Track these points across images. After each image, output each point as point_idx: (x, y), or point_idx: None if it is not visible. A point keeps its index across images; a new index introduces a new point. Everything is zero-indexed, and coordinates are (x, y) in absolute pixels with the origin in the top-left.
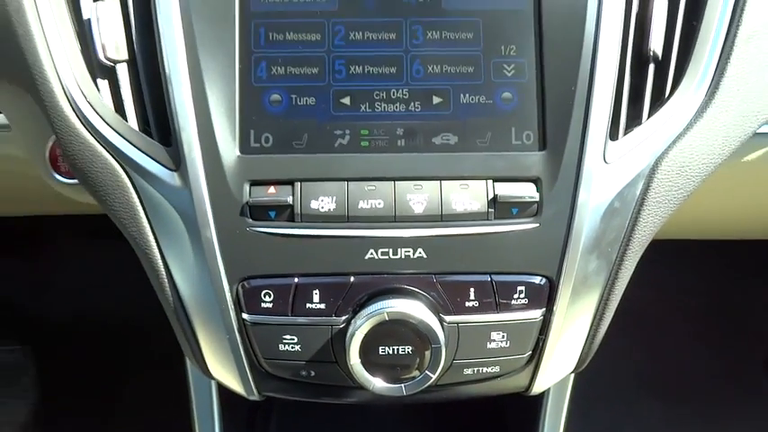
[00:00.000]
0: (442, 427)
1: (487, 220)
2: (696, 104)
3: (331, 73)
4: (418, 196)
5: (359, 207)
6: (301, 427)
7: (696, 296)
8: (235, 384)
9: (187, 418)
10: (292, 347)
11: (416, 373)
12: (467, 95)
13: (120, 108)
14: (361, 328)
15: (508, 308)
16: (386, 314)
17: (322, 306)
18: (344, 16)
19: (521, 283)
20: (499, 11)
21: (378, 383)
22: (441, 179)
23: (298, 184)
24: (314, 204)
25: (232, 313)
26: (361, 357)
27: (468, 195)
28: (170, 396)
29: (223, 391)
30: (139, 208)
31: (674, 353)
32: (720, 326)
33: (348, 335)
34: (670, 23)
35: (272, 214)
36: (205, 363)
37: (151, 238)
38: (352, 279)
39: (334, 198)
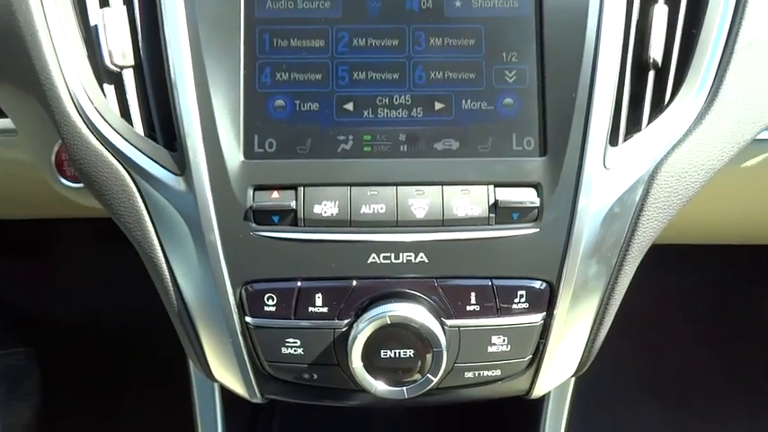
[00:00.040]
0: (443, 430)
1: (488, 225)
2: (695, 111)
3: (334, 79)
4: (420, 201)
5: (361, 212)
6: (303, 429)
7: (697, 299)
8: (238, 387)
9: (190, 421)
10: (295, 350)
11: (418, 376)
12: (468, 101)
13: (125, 113)
14: (363, 332)
15: (509, 312)
16: (388, 318)
17: (324, 310)
18: (348, 23)
19: (521, 288)
20: (501, 18)
21: (379, 386)
22: (442, 184)
23: (301, 189)
24: (317, 209)
25: (235, 316)
26: (363, 360)
27: (470, 200)
28: (173, 398)
29: (226, 393)
30: (144, 212)
31: (674, 356)
32: (721, 329)
33: (350, 338)
34: (670, 31)
35: (276, 219)
36: (208, 366)
37: (156, 241)
38: (354, 283)
39: (337, 203)
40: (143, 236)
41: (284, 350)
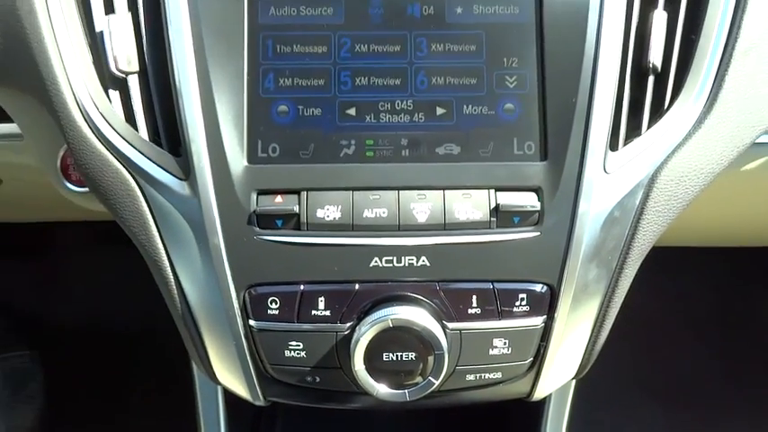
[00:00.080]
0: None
1: (489, 228)
2: (695, 116)
3: (337, 84)
4: (422, 205)
5: (364, 216)
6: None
7: (697, 301)
8: (241, 390)
9: (193, 423)
10: (298, 353)
11: (420, 379)
12: (470, 106)
13: (130, 119)
14: (365, 335)
15: (510, 315)
16: (390, 321)
17: (327, 313)
18: (350, 29)
19: (522, 291)
20: (502, 24)
21: (382, 389)
22: (444, 188)
23: (304, 194)
24: (320, 213)
25: (239, 320)
26: (365, 363)
27: (471, 204)
28: (176, 401)
29: (229, 396)
30: (149, 216)
31: (675, 358)
32: (722, 331)
33: (353, 341)
34: (669, 37)
35: (279, 223)
36: (212, 368)
37: (160, 245)
38: (356, 287)
39: (340, 207)
40: (148, 240)
41: (287, 353)
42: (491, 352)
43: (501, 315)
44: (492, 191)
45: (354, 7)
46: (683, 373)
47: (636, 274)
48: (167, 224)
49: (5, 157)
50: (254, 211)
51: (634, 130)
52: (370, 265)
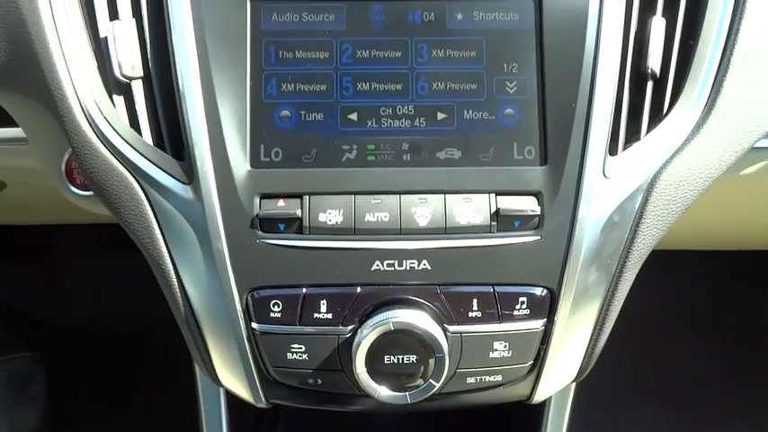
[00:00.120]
0: None
1: (490, 232)
2: (693, 121)
3: (339, 90)
4: (423, 209)
5: (365, 220)
6: None
7: (697, 304)
8: (243, 392)
9: (195, 425)
10: (300, 356)
11: (421, 381)
12: (470, 111)
13: (135, 123)
14: (367, 338)
15: (510, 318)
16: (391, 324)
17: (329, 316)
18: (352, 35)
19: (522, 294)
20: (502, 30)
21: (383, 391)
22: (445, 193)
23: (306, 198)
24: (322, 217)
25: (242, 322)
26: (366, 366)
27: (472, 209)
28: (179, 403)
29: (231, 398)
30: (153, 220)
31: (675, 360)
32: (722, 333)
33: (354, 344)
34: (668, 42)
35: (282, 226)
36: (215, 371)
37: (164, 249)
38: (358, 290)
39: (342, 211)
40: (151, 243)
41: (289, 356)
42: (491, 355)
43: (501, 318)
44: (492, 195)
45: (356, 14)
46: (684, 375)
47: (636, 277)
48: (171, 228)
49: (10, 160)
50: (257, 215)
51: (633, 135)
52: (372, 269)
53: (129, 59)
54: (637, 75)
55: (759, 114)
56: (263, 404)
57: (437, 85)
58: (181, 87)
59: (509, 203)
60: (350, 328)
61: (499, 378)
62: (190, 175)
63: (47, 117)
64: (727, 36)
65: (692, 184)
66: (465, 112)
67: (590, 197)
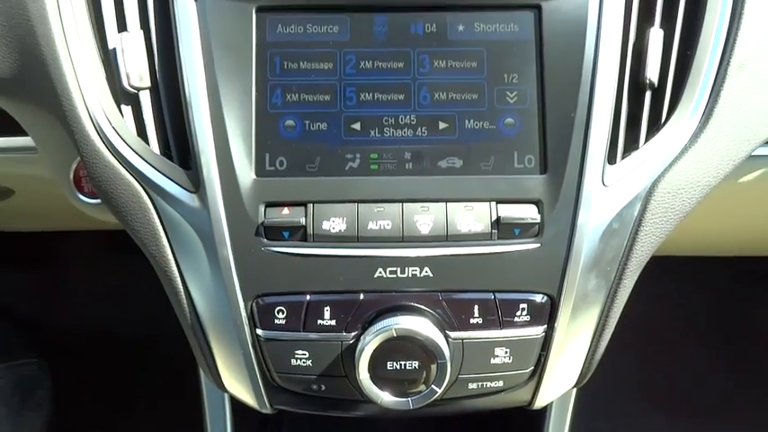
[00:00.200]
0: None
1: (491, 240)
2: (691, 130)
3: (342, 100)
4: (425, 217)
5: (368, 228)
6: None
7: (699, 309)
8: (248, 398)
9: (200, 430)
10: (304, 362)
11: (423, 387)
12: (471, 121)
13: (142, 133)
14: (369, 344)
15: (511, 325)
16: (393, 330)
17: (333, 322)
18: (355, 46)
19: (523, 301)
20: (502, 41)
21: (386, 397)
22: (446, 201)
23: (310, 206)
24: (325, 225)
25: (246, 329)
26: (369, 372)
27: (473, 217)
28: (184, 409)
29: (235, 403)
30: (160, 228)
31: (676, 365)
32: (724, 339)
33: (357, 350)
34: (665, 53)
35: (286, 234)
36: (219, 376)
37: (170, 256)
38: (361, 296)
39: (345, 219)
40: (158, 250)
41: (293, 362)
42: (492, 361)
43: (502, 325)
44: (493, 203)
45: (359, 25)
46: (685, 381)
47: (636, 283)
48: (177, 235)
49: (20, 168)
50: (262, 223)
51: (632, 144)
52: (375, 276)
53: (136, 70)
54: (635, 85)
55: (756, 123)
56: (267, 410)
57: (439, 96)
58: (187, 98)
59: (509, 211)
60: (353, 334)
61: (500, 384)
62: (196, 183)
63: (56, 126)
64: (724, 46)
65: (690, 193)
66: (466, 121)
67: (589, 205)
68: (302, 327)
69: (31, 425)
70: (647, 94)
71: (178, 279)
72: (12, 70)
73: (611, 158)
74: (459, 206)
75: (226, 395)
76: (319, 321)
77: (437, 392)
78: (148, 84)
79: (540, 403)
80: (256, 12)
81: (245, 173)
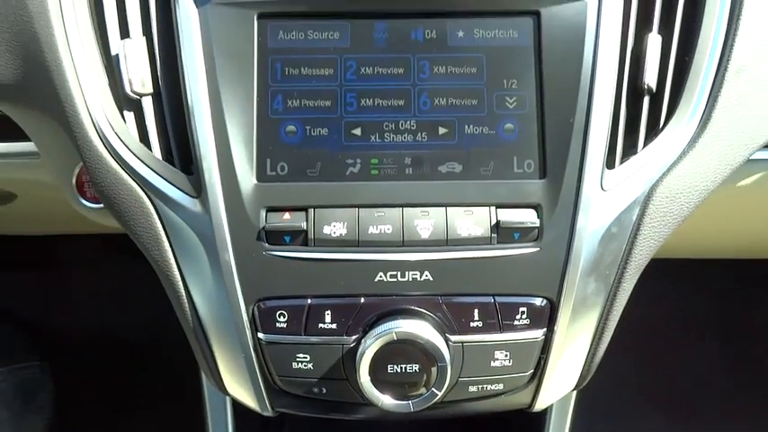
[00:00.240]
0: None
1: (490, 244)
2: (689, 135)
3: (343, 105)
4: (425, 222)
5: (369, 232)
6: None
7: (699, 311)
8: (249, 401)
9: None
10: (305, 365)
11: (423, 390)
12: (471, 126)
13: (144, 138)
14: (370, 347)
15: (511, 328)
16: (394, 334)
17: (334, 326)
18: (356, 52)
19: (523, 305)
20: (502, 47)
21: (386, 400)
22: (446, 206)
23: (311, 211)
24: (326, 230)
25: (248, 332)
26: (370, 375)
27: (473, 221)
28: (185, 411)
29: (237, 406)
30: (162, 232)
31: (676, 367)
32: (724, 340)
33: (358, 353)
34: (664, 58)
35: (287, 239)
36: (221, 380)
37: (172, 260)
38: (362, 300)
39: (346, 224)
40: (160, 255)
41: (295, 365)
42: (492, 364)
43: (502, 328)
44: (493, 208)
45: (360, 32)
46: (685, 383)
47: (636, 285)
48: (179, 240)
49: (22, 173)
50: (264, 228)
51: (630, 149)
52: (375, 280)
53: (139, 77)
54: (633, 90)
55: (753, 128)
56: (268, 413)
57: (439, 101)
58: (190, 103)
59: (509, 216)
60: (354, 338)
61: (500, 387)
62: (198, 188)
63: (59, 132)
64: (722, 52)
65: (688, 197)
66: (466, 126)
67: (588, 209)
68: (303, 330)
69: (33, 428)
70: (646, 100)
71: (180, 283)
72: (15, 76)
73: (610, 163)
74: (459, 211)
75: (227, 398)
76: (320, 325)
77: (437, 395)
78: (151, 90)
79: (540, 406)
80: (258, 18)
81: (247, 178)
